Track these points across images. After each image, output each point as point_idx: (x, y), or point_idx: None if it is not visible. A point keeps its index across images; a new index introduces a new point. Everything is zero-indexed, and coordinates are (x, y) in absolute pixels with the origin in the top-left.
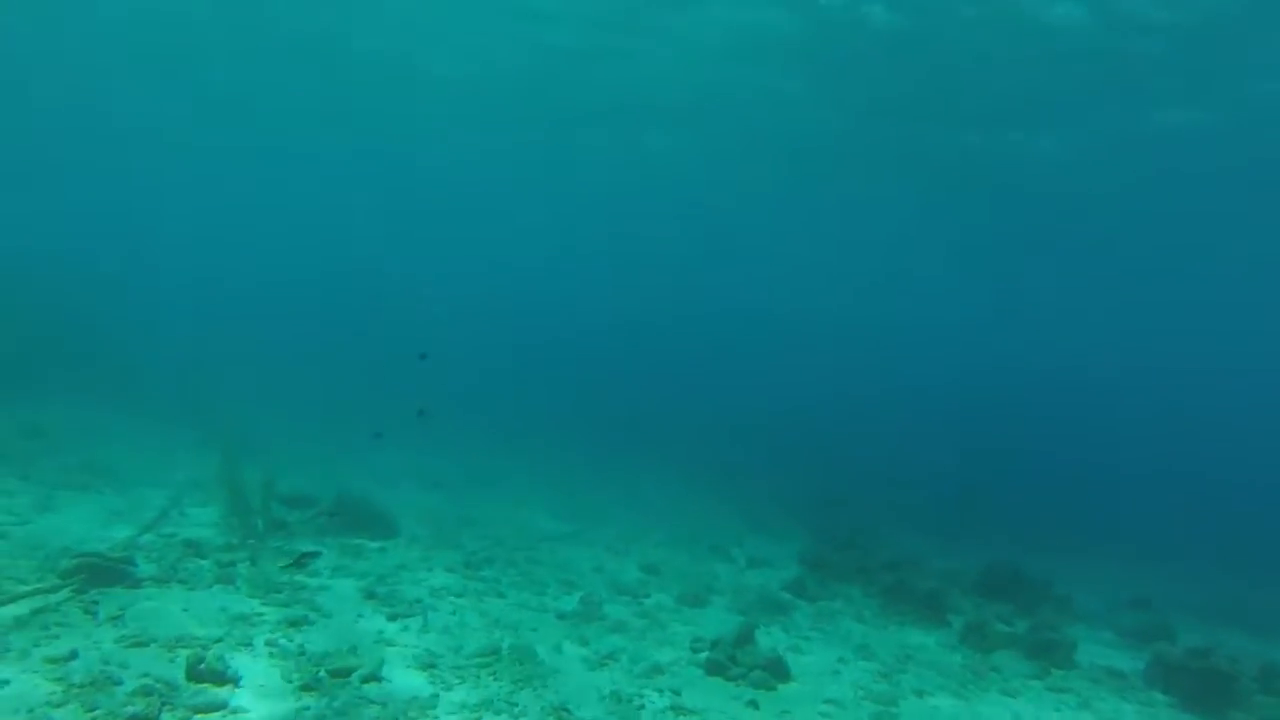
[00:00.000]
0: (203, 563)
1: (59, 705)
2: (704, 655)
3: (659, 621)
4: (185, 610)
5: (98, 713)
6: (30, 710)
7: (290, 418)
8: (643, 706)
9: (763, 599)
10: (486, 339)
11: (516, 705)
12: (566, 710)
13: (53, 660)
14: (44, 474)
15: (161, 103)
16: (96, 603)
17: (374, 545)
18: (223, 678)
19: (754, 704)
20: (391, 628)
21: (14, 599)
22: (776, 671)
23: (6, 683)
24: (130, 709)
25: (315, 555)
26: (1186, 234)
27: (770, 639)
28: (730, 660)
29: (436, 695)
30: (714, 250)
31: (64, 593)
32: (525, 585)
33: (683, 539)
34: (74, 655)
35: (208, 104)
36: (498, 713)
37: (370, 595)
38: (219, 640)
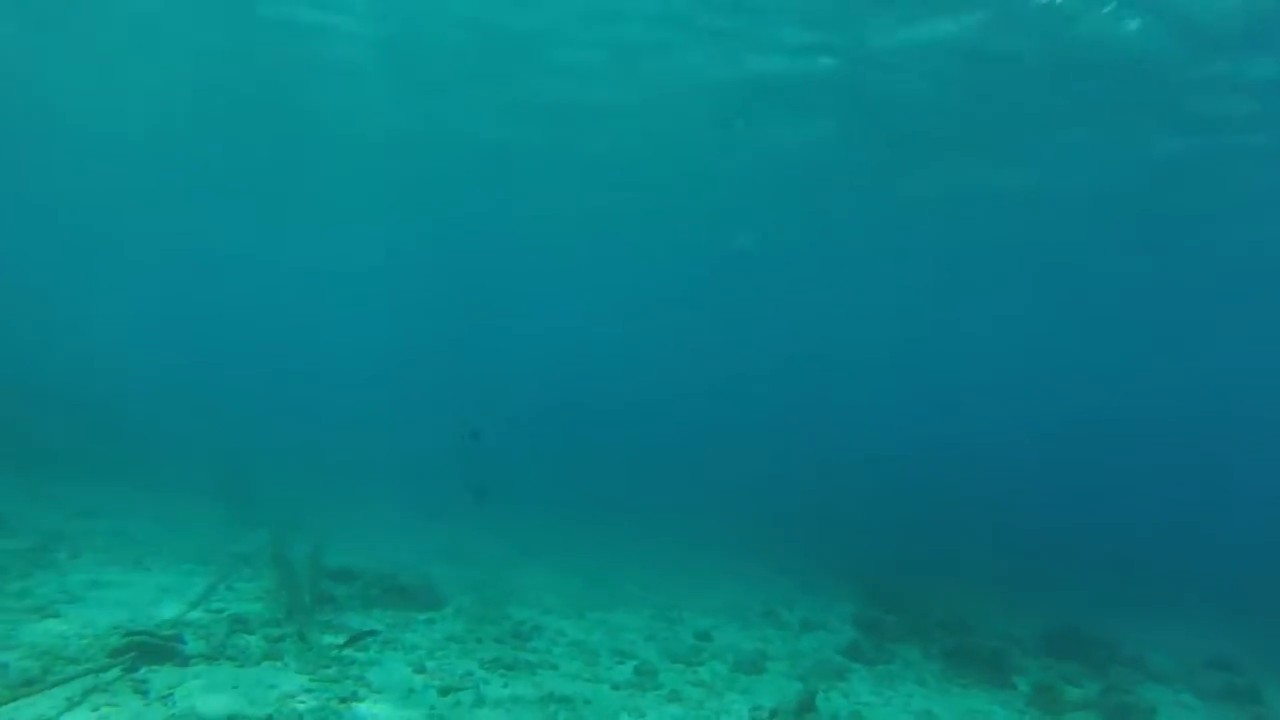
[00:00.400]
0: (251, 638)
1: None
2: None
3: (716, 690)
4: (235, 688)
5: None
6: None
7: (336, 492)
8: None
9: (820, 664)
10: (526, 406)
11: None
12: None
13: None
14: (94, 552)
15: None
16: (146, 681)
17: (421, 617)
18: None
19: None
20: (443, 703)
21: (65, 680)
22: None
23: None
24: None
25: (372, 634)
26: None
27: (831, 705)
28: None
29: None
30: (748, 303)
31: (114, 671)
32: (577, 655)
33: (733, 604)
34: None
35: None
36: None
37: (420, 669)
38: (268, 718)
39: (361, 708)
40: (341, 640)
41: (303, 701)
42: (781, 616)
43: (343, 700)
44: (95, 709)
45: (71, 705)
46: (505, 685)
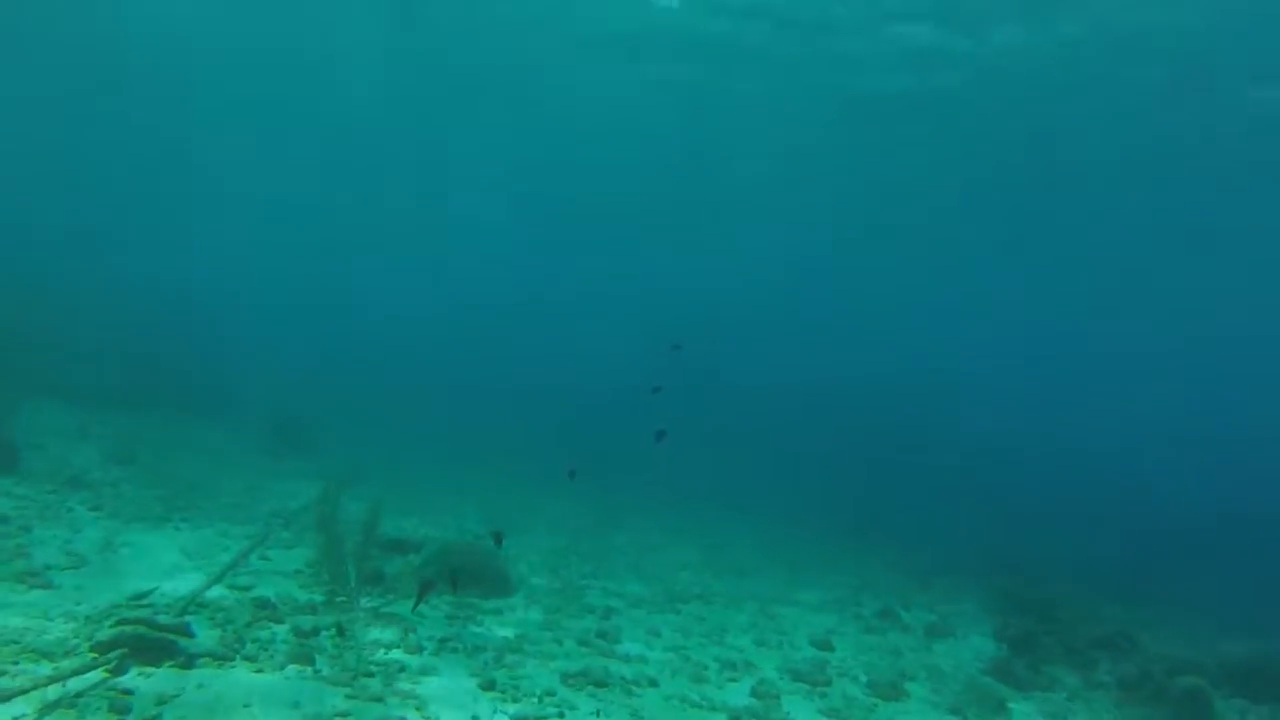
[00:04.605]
0: (278, 630)
1: None
2: None
3: None
4: (246, 707)
5: None
6: None
7: (396, 444)
8: None
9: (970, 689)
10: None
11: None
12: None
13: None
14: (119, 505)
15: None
16: (131, 694)
17: (488, 606)
18: None
19: None
20: None
21: (20, 692)
22: None
23: None
24: None
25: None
26: None
27: None
28: None
29: None
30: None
31: (97, 673)
32: (678, 667)
33: (843, 599)
34: None
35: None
36: None
37: (488, 685)
38: None
39: None
40: (391, 635)
41: None
42: (902, 618)
43: None
44: None
45: None
46: (597, 711)
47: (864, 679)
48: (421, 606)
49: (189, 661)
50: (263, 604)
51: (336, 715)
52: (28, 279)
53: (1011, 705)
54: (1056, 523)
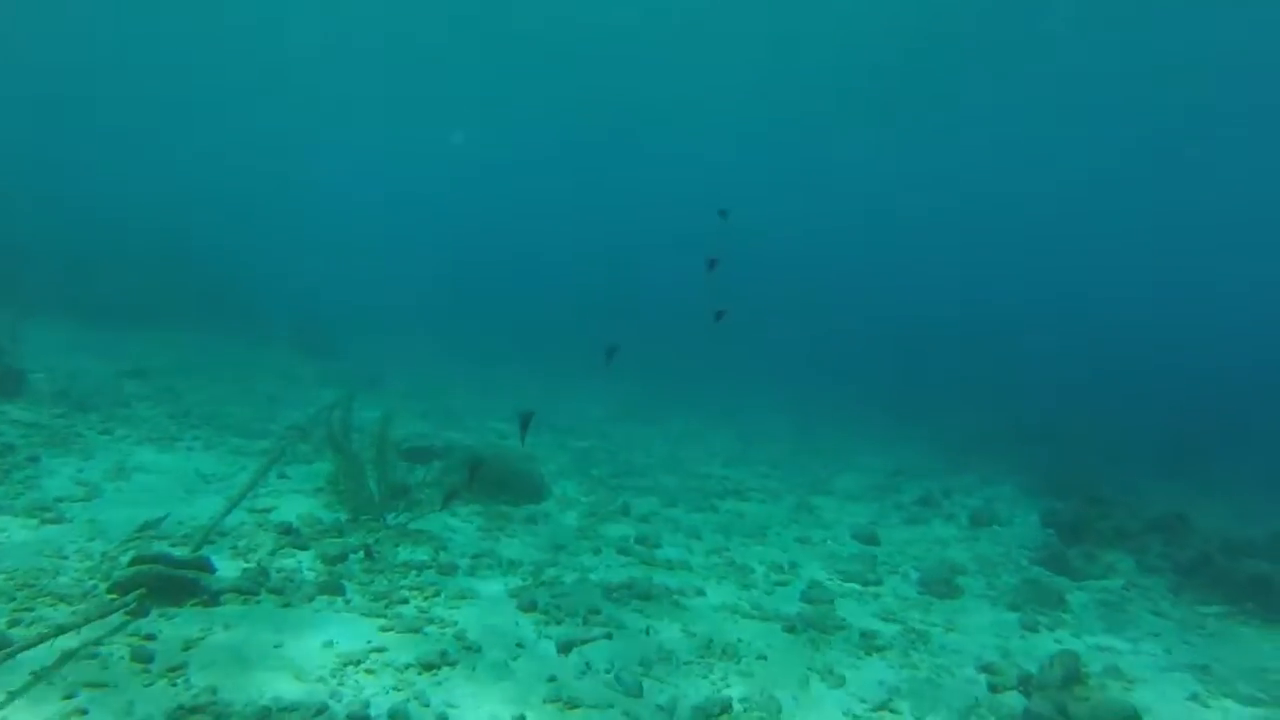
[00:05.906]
0: (303, 557)
1: None
2: (1011, 695)
3: (916, 630)
4: (277, 648)
5: None
6: None
7: (428, 349)
8: None
9: (1026, 584)
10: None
11: None
12: None
13: None
14: (131, 424)
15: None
16: (153, 639)
17: (519, 513)
18: None
19: None
20: (566, 666)
21: (48, 637)
22: None
23: None
24: None
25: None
26: None
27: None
28: (1061, 714)
29: None
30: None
31: (116, 617)
32: (724, 573)
33: (880, 486)
34: None
35: None
36: None
37: (529, 605)
38: (321, 711)
39: (453, 678)
40: (426, 554)
41: (371, 671)
42: (943, 505)
43: (428, 667)
44: (70, 696)
45: (38, 683)
46: (647, 629)
47: (915, 576)
48: (453, 520)
49: (212, 599)
50: (285, 529)
51: (371, 650)
52: (33, 191)
53: (1068, 597)
54: (1086, 393)
